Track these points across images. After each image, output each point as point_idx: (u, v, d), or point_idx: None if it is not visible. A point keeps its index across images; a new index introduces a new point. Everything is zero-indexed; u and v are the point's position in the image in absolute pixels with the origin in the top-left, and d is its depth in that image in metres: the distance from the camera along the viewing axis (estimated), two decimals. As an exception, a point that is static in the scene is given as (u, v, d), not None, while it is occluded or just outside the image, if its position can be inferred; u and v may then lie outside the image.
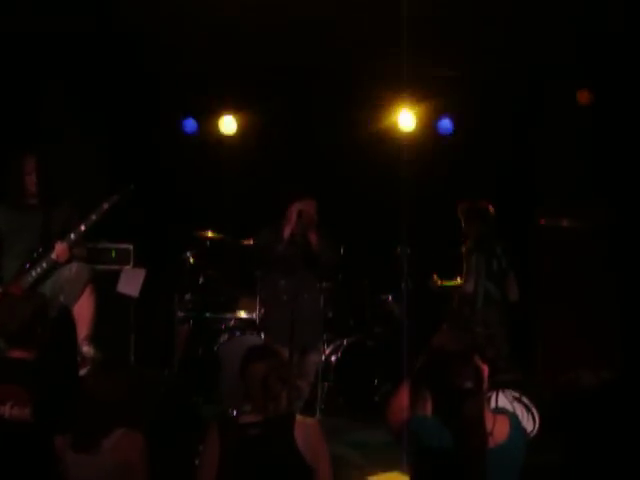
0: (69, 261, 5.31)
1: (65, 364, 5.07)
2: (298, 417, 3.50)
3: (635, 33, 6.76)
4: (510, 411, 3.63)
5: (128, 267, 7.20)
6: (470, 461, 3.07)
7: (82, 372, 5.04)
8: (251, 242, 6.61)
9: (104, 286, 6.43)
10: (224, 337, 7.08)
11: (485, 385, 3.32)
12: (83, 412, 3.52)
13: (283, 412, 3.48)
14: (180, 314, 7.32)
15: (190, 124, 8.34)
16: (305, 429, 3.45)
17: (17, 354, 3.82)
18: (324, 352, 7.08)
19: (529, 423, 4.55)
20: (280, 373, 3.49)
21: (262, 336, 6.51)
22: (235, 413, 4.66)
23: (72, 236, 5.27)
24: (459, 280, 6.61)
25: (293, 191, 6.01)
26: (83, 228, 5.29)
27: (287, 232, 5.78)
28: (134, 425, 3.57)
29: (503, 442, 3.16)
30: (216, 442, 3.41)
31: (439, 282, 6.80)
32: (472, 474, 3.07)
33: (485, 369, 3.36)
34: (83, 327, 5.24)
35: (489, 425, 3.13)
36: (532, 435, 4.26)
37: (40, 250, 5.30)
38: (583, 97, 7.75)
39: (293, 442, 3.38)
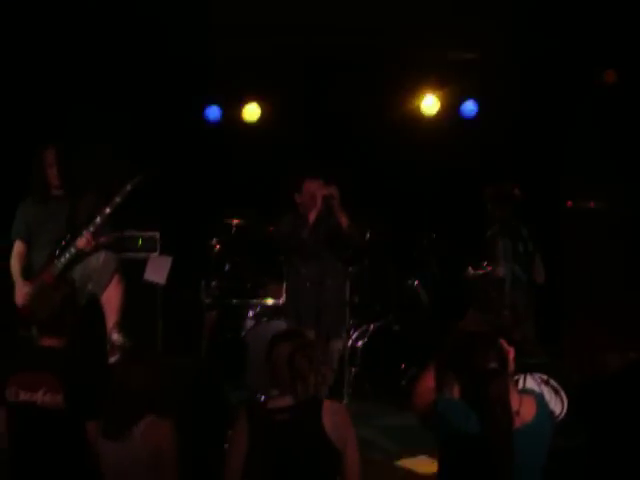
0: (96, 249, 5.36)
1: (95, 352, 5.13)
2: (326, 401, 3.51)
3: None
4: (537, 391, 3.65)
5: (155, 255, 7.27)
6: (497, 442, 3.08)
7: (112, 360, 5.11)
8: (277, 227, 6.61)
9: (131, 274, 6.51)
10: (250, 323, 7.12)
11: (511, 367, 3.34)
12: (113, 399, 3.55)
13: (311, 394, 3.49)
14: (207, 301, 7.36)
15: (214, 111, 8.36)
16: (333, 413, 3.46)
17: (48, 342, 3.87)
18: (350, 337, 7.11)
19: (557, 406, 4.53)
20: (307, 352, 3.49)
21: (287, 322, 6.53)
22: (263, 398, 4.70)
23: (98, 220, 5.31)
24: (486, 264, 6.59)
25: (316, 176, 5.98)
26: (108, 211, 5.33)
27: (312, 217, 5.77)
28: (164, 412, 3.59)
29: (530, 422, 3.18)
30: (245, 427, 3.43)
31: (473, 272, 6.72)
32: (500, 455, 3.09)
33: (511, 351, 3.38)
34: (112, 315, 5.29)
35: (515, 405, 3.14)
36: (560, 418, 4.25)
37: (67, 239, 5.35)
38: (609, 77, 7.68)
39: (321, 426, 3.39)
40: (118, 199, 5.35)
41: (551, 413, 3.43)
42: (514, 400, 3.16)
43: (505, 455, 3.09)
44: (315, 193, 5.80)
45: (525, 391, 3.65)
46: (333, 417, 3.43)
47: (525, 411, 3.18)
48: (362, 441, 5.73)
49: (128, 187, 5.36)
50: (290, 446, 3.39)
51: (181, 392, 4.59)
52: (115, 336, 5.23)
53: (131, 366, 3.70)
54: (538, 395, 3.44)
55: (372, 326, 7.24)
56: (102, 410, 3.57)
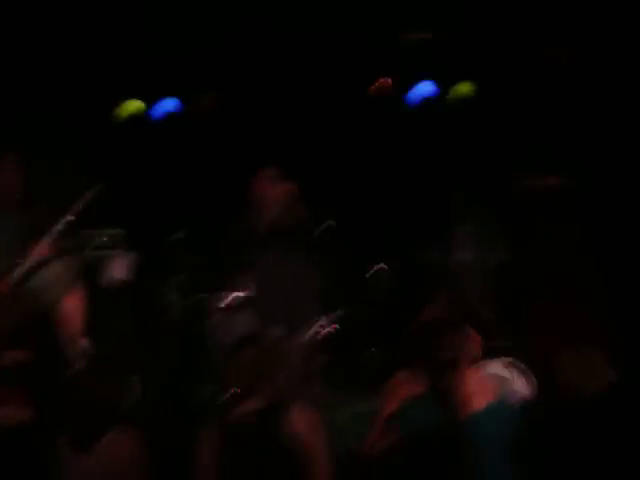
0: (55, 257, 5.28)
1: (58, 362, 5.07)
2: (292, 402, 3.52)
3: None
4: (501, 377, 3.69)
5: (119, 252, 7.20)
6: (453, 430, 3.20)
7: (76, 368, 5.05)
8: (238, 220, 6.57)
9: (95, 272, 6.45)
10: (217, 316, 7.09)
11: (477, 352, 3.38)
12: (78, 410, 3.52)
13: (278, 397, 3.50)
14: (172, 296, 7.31)
15: (171, 103, 8.28)
16: (300, 414, 3.48)
17: (12, 355, 3.83)
18: (320, 325, 7.11)
19: (524, 387, 4.55)
20: (271, 356, 3.50)
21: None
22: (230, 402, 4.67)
23: (54, 231, 5.24)
24: (448, 248, 6.62)
25: (273, 168, 5.95)
26: (68, 219, 5.26)
27: (271, 214, 5.75)
28: (131, 420, 3.58)
29: (490, 406, 3.25)
30: (213, 432, 3.44)
31: (438, 256, 6.73)
32: (456, 443, 3.14)
33: (475, 337, 3.42)
34: (75, 322, 5.22)
35: (475, 388, 3.25)
36: (528, 399, 4.28)
37: (23, 248, 5.26)
38: (561, 56, 7.71)
39: (288, 428, 3.41)
40: (78, 207, 5.27)
41: (515, 396, 3.46)
42: (475, 384, 3.19)
43: (463, 443, 3.13)
44: (272, 188, 5.78)
45: (488, 375, 3.69)
46: (300, 420, 3.45)
47: (485, 395, 3.24)
48: (336, 428, 5.84)
49: (88, 195, 5.28)
50: (257, 450, 3.40)
51: (149, 396, 4.57)
52: (80, 343, 5.17)
53: (96, 375, 3.68)
54: (501, 379, 3.49)
55: (340, 312, 7.24)
56: (68, 422, 3.54)
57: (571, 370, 2.73)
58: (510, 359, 4.63)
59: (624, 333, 7.63)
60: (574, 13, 7.18)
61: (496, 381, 3.46)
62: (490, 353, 4.45)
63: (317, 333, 6.90)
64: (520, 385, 4.09)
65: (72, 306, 5.27)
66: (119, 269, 7.09)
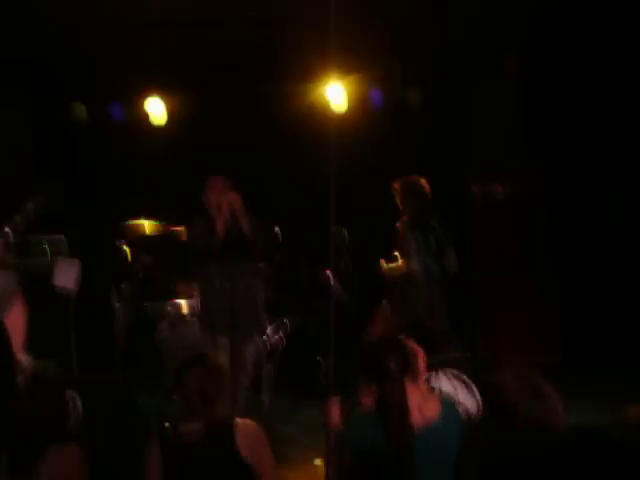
0: None
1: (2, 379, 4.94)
2: (238, 420, 3.47)
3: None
4: (446, 392, 3.68)
5: (62, 259, 7.06)
6: (397, 445, 3.15)
7: (18, 384, 4.92)
8: (184, 229, 6.47)
9: (38, 280, 6.32)
10: (164, 326, 7.01)
11: (421, 367, 3.38)
12: (16, 430, 3.43)
13: (222, 416, 3.44)
14: (117, 304, 7.19)
15: (117, 109, 8.15)
16: (246, 432, 3.43)
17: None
18: (267, 334, 7.07)
19: (470, 401, 4.56)
20: (216, 377, 3.45)
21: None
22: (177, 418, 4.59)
23: None
24: (399, 258, 6.58)
25: (221, 179, 5.89)
26: (7, 231, 5.12)
27: (220, 227, 5.68)
28: (71, 439, 3.49)
29: (435, 421, 3.24)
30: (157, 452, 3.38)
31: (386, 266, 6.70)
32: (400, 459, 3.13)
33: (419, 351, 3.41)
34: (17, 336, 5.08)
35: (419, 405, 3.21)
36: (476, 414, 4.28)
37: None
38: (511, 64, 7.77)
39: (234, 446, 3.36)
40: (18, 219, 5.12)
41: (459, 415, 3.45)
42: (418, 400, 3.23)
43: (405, 458, 3.13)
44: (220, 200, 5.71)
45: (435, 390, 3.69)
46: (247, 437, 3.40)
47: (429, 410, 3.25)
48: (283, 439, 5.81)
49: (30, 205, 5.14)
50: (204, 468, 3.35)
51: (92, 412, 4.46)
52: (21, 357, 5.03)
53: (34, 393, 3.59)
54: (445, 395, 3.49)
55: (287, 321, 7.22)
56: (6, 443, 3.45)
57: (509, 390, 2.72)
58: (456, 372, 4.63)
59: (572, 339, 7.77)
60: (521, 23, 7.25)
61: (441, 396, 3.44)
62: (436, 365, 4.46)
63: (265, 343, 6.85)
64: (464, 399, 4.09)
65: (12, 320, 5.13)
66: (62, 277, 6.95)
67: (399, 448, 3.14)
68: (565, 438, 2.55)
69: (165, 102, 8.04)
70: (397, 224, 6.50)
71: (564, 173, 7.86)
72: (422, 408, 3.22)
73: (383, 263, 6.65)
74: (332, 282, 7.39)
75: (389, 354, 3.26)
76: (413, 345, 3.45)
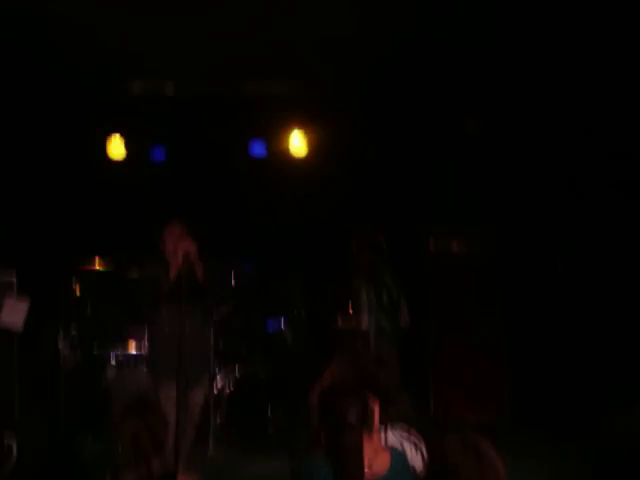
0: None
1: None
2: (180, 476, 3.38)
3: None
4: (395, 448, 3.65)
5: (11, 297, 6.92)
6: None
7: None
8: (137, 273, 6.40)
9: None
10: (113, 372, 6.89)
11: (375, 421, 3.35)
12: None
13: (162, 472, 3.35)
14: (65, 350, 7.04)
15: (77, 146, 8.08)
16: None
17: None
18: (215, 384, 6.97)
19: (417, 460, 4.53)
20: (153, 431, 3.34)
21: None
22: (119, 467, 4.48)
23: None
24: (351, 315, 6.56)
25: (176, 224, 5.84)
26: None
27: (173, 273, 5.61)
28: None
29: (382, 476, 3.21)
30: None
31: (341, 323, 6.66)
32: None
33: (375, 406, 3.39)
34: None
35: (369, 459, 3.18)
36: (421, 473, 4.24)
37: None
38: (470, 122, 7.88)
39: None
40: None
41: (408, 469, 3.43)
42: (369, 454, 3.20)
43: None
44: (175, 247, 5.65)
45: (383, 445, 3.65)
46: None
47: (378, 465, 3.22)
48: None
49: None
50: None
51: (29, 458, 4.34)
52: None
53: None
54: (395, 450, 3.46)
55: (237, 372, 7.13)
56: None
57: (453, 453, 2.70)
58: (405, 430, 4.60)
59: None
60: (479, 82, 7.37)
61: (390, 452, 3.41)
62: (386, 421, 4.42)
63: (213, 392, 6.75)
64: (412, 459, 4.06)
65: None
66: (10, 315, 6.81)
67: None
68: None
69: (126, 143, 7.99)
70: (352, 280, 6.48)
71: (518, 232, 7.94)
72: (372, 462, 3.20)
73: (339, 320, 6.61)
74: (287, 335, 7.37)
75: (351, 404, 3.23)
76: (369, 396, 3.44)
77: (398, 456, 3.41)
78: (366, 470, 3.18)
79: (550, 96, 7.33)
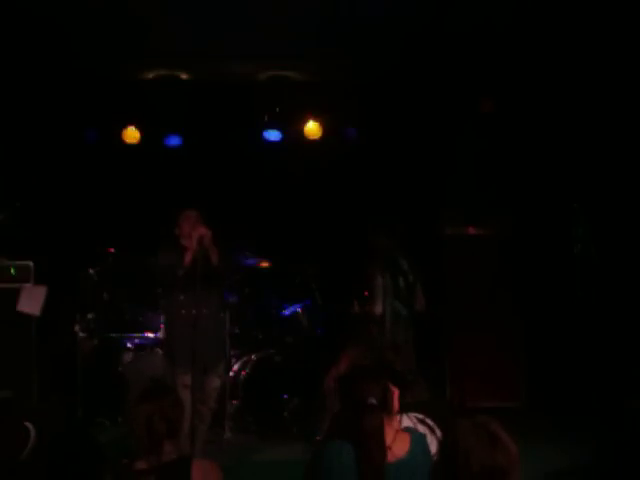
0: None
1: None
2: (195, 461, 3.38)
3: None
4: (414, 430, 3.66)
5: (28, 285, 6.96)
6: (368, 475, 3.13)
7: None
8: (154, 258, 6.40)
9: (4, 305, 6.23)
10: (129, 357, 6.92)
11: (395, 406, 3.37)
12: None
13: (178, 456, 3.35)
14: (82, 334, 7.08)
15: (91, 134, 8.09)
16: (203, 472, 3.34)
17: None
18: (231, 369, 6.99)
19: (433, 444, 4.54)
20: (166, 415, 3.34)
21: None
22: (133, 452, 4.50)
23: None
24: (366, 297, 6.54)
25: (192, 209, 5.86)
26: None
27: (188, 259, 5.63)
28: (27, 468, 3.40)
29: (402, 458, 3.22)
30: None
31: (358, 308, 6.65)
32: None
33: (395, 391, 3.40)
34: None
35: (389, 441, 3.20)
36: (436, 457, 4.24)
37: None
38: (486, 106, 7.83)
39: (191, 486, 3.27)
40: None
41: (428, 451, 3.44)
42: (389, 436, 3.21)
43: None
44: (190, 232, 5.67)
45: (402, 428, 3.66)
46: (203, 477, 3.31)
47: (398, 447, 3.24)
48: (243, 478, 5.70)
49: None
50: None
51: (47, 442, 4.36)
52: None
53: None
54: (415, 433, 3.47)
55: (254, 356, 7.14)
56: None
57: (464, 436, 2.70)
58: (421, 416, 4.61)
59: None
60: (494, 65, 7.32)
61: (409, 435, 3.42)
62: (401, 407, 4.43)
63: (230, 377, 6.77)
64: (430, 443, 4.06)
65: None
66: (28, 303, 6.85)
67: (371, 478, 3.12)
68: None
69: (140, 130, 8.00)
70: (368, 265, 6.46)
71: (534, 215, 7.90)
72: (392, 444, 3.22)
73: (356, 306, 6.60)
74: (303, 318, 7.36)
75: (371, 386, 3.27)
76: (390, 384, 3.45)
77: (418, 438, 3.42)
78: (387, 453, 3.20)
79: (567, 77, 7.27)
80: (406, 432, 3.39)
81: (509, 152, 7.98)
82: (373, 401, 3.22)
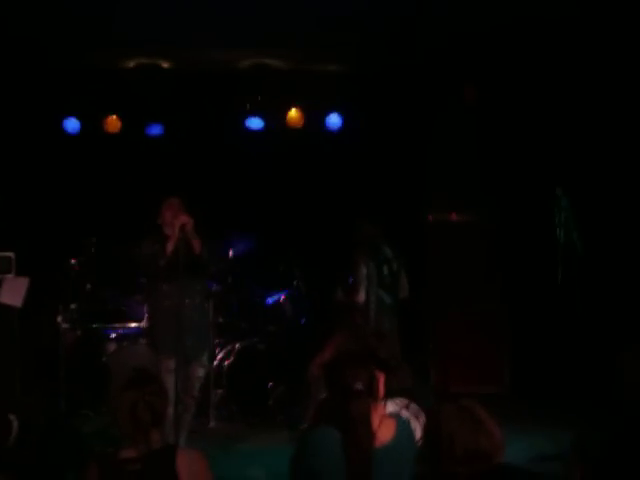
0: None
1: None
2: (180, 450, 3.37)
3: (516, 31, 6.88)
4: (399, 415, 3.67)
5: (10, 276, 6.93)
6: (357, 461, 3.14)
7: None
8: (136, 248, 6.35)
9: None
10: (112, 347, 6.89)
11: (381, 391, 3.38)
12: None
13: (163, 445, 3.34)
14: (65, 325, 7.04)
15: (72, 124, 8.03)
16: (189, 462, 3.32)
17: None
18: (215, 357, 6.99)
19: (417, 430, 4.55)
20: (150, 403, 3.32)
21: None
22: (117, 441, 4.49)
23: None
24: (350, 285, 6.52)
25: (174, 198, 5.82)
26: None
27: (170, 247, 5.59)
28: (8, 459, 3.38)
29: (388, 443, 3.22)
30: (95, 478, 3.27)
31: (341, 296, 6.63)
32: (358, 472, 3.12)
33: (381, 377, 3.41)
34: None
35: (375, 426, 3.20)
36: (420, 442, 4.26)
37: None
38: (469, 94, 7.83)
39: (175, 476, 3.26)
40: None
41: (412, 436, 3.45)
42: (375, 421, 3.22)
43: (363, 474, 3.11)
44: (172, 221, 5.63)
45: (388, 413, 3.67)
46: (188, 464, 3.29)
47: (384, 433, 3.23)
48: (229, 467, 5.71)
49: None
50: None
51: (29, 433, 4.34)
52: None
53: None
54: (400, 418, 3.48)
55: (237, 345, 7.14)
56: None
57: (448, 421, 2.72)
58: (406, 401, 4.62)
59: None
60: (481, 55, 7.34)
61: (395, 420, 3.43)
62: (386, 393, 4.44)
63: (213, 365, 6.76)
64: (415, 428, 4.07)
65: None
66: (10, 294, 6.81)
67: (360, 465, 3.14)
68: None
69: (122, 119, 7.94)
70: (352, 254, 6.44)
71: (518, 202, 7.93)
72: (378, 430, 3.22)
73: (340, 293, 6.59)
74: (287, 307, 7.35)
75: (358, 372, 3.26)
76: (376, 370, 3.45)
77: (403, 424, 3.43)
78: (374, 437, 3.20)
79: (549, 65, 7.29)
80: (391, 418, 3.39)
81: (492, 139, 8.00)
82: (360, 387, 3.22)
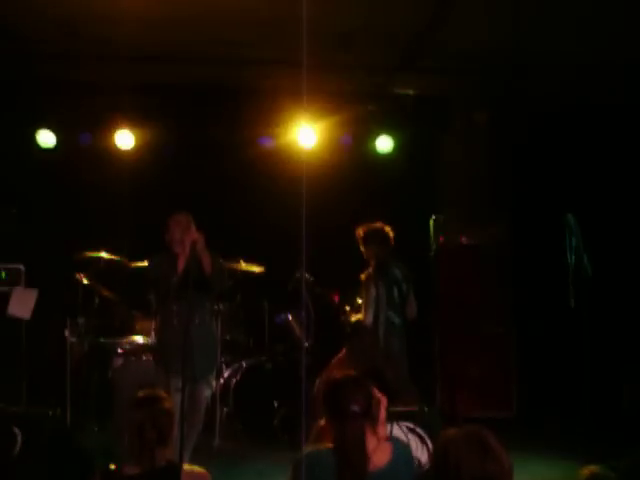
0: None
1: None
2: (185, 467, 3.37)
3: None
4: (397, 440, 3.63)
5: (19, 288, 6.95)
6: None
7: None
8: (145, 264, 6.34)
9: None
10: (118, 362, 6.88)
11: (382, 415, 3.35)
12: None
13: (167, 462, 3.33)
14: (72, 339, 7.03)
15: (86, 138, 8.05)
16: (192, 479, 3.32)
17: None
18: (222, 375, 6.97)
19: (423, 454, 4.54)
20: (157, 423, 3.32)
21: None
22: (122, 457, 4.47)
23: None
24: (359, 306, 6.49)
25: (184, 215, 5.79)
26: None
27: (181, 264, 5.57)
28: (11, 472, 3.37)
29: (382, 468, 3.20)
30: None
31: (352, 317, 6.61)
32: None
33: (382, 400, 3.39)
34: None
35: (370, 450, 3.18)
36: (427, 467, 4.24)
37: None
38: (480, 118, 7.85)
39: (179, 493, 3.25)
40: None
41: (411, 461, 3.41)
42: (370, 445, 3.19)
43: None
44: (183, 238, 5.60)
45: (389, 436, 3.64)
46: (192, 482, 3.29)
47: (379, 457, 3.21)
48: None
49: None
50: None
51: (31, 449, 4.32)
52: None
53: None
54: (397, 442, 3.45)
55: (244, 363, 7.12)
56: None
57: (455, 447, 2.68)
58: (411, 425, 4.59)
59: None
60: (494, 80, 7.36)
61: (392, 444, 3.40)
62: (392, 417, 4.40)
63: (220, 384, 6.73)
64: (417, 453, 4.04)
65: None
66: (19, 306, 6.83)
67: None
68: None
69: (135, 134, 7.95)
70: (362, 274, 6.41)
71: (528, 224, 7.92)
72: (372, 453, 3.20)
73: (349, 313, 6.57)
74: (295, 326, 7.33)
75: (354, 394, 3.25)
76: (377, 392, 3.44)
77: (401, 448, 3.40)
78: (371, 461, 3.18)
79: (561, 86, 7.32)
80: (388, 442, 3.36)
81: (502, 161, 8.00)
82: (356, 409, 3.21)
